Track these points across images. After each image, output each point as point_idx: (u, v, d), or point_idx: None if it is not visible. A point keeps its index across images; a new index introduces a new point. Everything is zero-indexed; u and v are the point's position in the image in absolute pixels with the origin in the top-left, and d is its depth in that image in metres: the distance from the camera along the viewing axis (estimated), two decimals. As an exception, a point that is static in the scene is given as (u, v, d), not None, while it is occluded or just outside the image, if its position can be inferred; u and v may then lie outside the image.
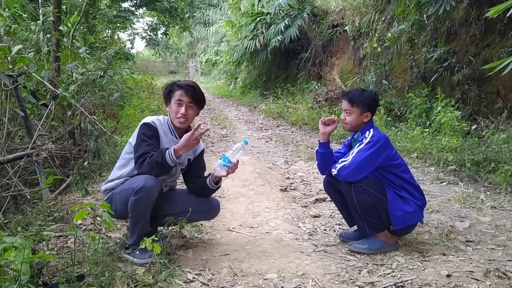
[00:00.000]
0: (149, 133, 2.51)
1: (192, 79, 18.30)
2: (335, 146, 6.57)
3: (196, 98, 2.60)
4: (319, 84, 11.66)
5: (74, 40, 4.84)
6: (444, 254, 2.65)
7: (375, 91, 2.87)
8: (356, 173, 2.61)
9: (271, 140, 7.79)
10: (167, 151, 2.39)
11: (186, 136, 2.40)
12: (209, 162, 4.83)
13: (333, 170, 2.71)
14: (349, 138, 2.95)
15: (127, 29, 18.07)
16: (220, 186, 2.76)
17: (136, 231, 2.48)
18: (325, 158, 2.83)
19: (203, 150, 2.84)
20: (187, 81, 2.71)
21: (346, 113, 2.79)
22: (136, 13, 17.16)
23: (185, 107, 2.55)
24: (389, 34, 8.23)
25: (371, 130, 2.70)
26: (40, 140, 3.59)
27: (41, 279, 2.01)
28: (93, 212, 2.10)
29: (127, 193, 2.43)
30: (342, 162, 2.67)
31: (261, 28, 12.85)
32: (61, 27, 4.24)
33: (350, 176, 2.63)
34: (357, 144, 2.70)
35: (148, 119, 2.58)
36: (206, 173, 2.82)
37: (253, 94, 15.06)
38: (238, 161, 2.58)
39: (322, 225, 3.34)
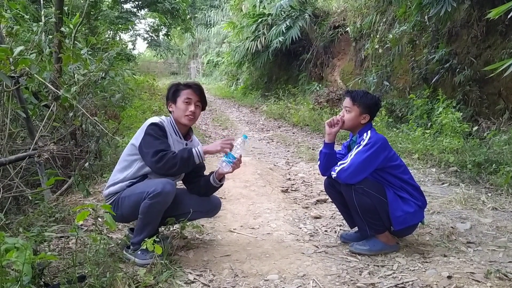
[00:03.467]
0: (160, 132, 2.54)
1: (194, 80, 18.33)
2: (335, 147, 6.58)
3: (203, 97, 2.70)
4: (320, 85, 11.66)
5: (76, 41, 4.84)
6: (445, 256, 2.65)
7: (378, 95, 2.90)
8: (355, 175, 2.61)
9: (272, 141, 7.80)
10: (194, 149, 2.48)
11: (220, 141, 2.53)
12: (210, 162, 4.84)
13: (332, 172, 2.71)
14: (349, 139, 2.95)
15: (129, 30, 18.03)
16: (223, 184, 2.77)
17: (145, 231, 2.48)
18: (328, 159, 2.83)
19: None
20: (193, 81, 2.78)
21: (346, 110, 2.80)
22: (138, 14, 17.16)
23: (194, 106, 2.63)
24: (391, 35, 8.23)
25: (369, 132, 2.71)
26: (42, 141, 3.60)
27: (43, 279, 2.01)
28: (95, 213, 2.11)
29: (139, 197, 2.44)
30: (341, 164, 2.67)
31: (263, 29, 12.86)
32: (63, 29, 4.25)
33: (349, 178, 2.63)
34: (355, 146, 2.70)
35: (155, 119, 2.60)
36: (206, 172, 2.83)
37: (254, 95, 15.07)
38: (241, 156, 2.60)
39: (323, 226, 3.34)
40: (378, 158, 2.63)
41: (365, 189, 2.61)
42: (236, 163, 2.57)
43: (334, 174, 2.69)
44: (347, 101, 2.81)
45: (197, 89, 2.66)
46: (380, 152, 2.63)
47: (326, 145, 2.84)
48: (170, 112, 2.71)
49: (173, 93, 2.66)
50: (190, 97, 2.62)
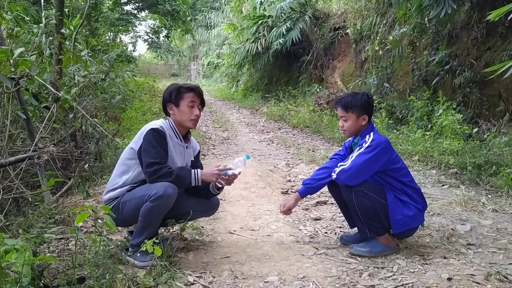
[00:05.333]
0: (159, 139, 2.52)
1: (194, 82, 18.36)
2: (336, 149, 6.58)
3: (203, 99, 2.72)
4: (320, 87, 11.67)
5: (76, 43, 4.84)
6: (445, 257, 2.64)
7: (367, 93, 2.84)
8: (354, 177, 2.61)
9: (273, 142, 7.80)
10: (194, 171, 2.49)
11: (217, 171, 2.53)
12: (211, 164, 4.84)
13: (332, 173, 2.71)
14: (350, 140, 2.94)
15: (129, 32, 18.08)
16: (222, 190, 2.80)
17: (144, 234, 2.47)
18: (316, 190, 2.92)
19: (199, 151, 2.93)
20: (193, 84, 2.79)
21: (342, 119, 2.79)
22: (138, 16, 17.20)
23: (197, 109, 2.66)
24: (391, 37, 8.25)
25: (371, 133, 2.70)
26: (42, 143, 3.60)
27: (42, 281, 2.01)
28: (94, 214, 2.10)
29: (140, 200, 2.43)
30: (341, 165, 2.67)
31: (263, 31, 12.87)
32: (63, 30, 4.25)
33: (348, 180, 2.62)
34: (357, 148, 2.69)
35: (155, 124, 2.57)
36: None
37: (254, 96, 15.08)
38: (239, 173, 2.62)
39: (323, 228, 3.34)
40: (380, 160, 2.62)
41: (365, 191, 2.61)
42: (231, 179, 2.59)
43: (334, 175, 2.69)
44: (340, 111, 2.79)
45: (198, 92, 2.67)
46: (382, 154, 2.62)
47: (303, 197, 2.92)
48: (168, 114, 2.69)
49: (175, 96, 2.63)
50: (194, 101, 2.63)
